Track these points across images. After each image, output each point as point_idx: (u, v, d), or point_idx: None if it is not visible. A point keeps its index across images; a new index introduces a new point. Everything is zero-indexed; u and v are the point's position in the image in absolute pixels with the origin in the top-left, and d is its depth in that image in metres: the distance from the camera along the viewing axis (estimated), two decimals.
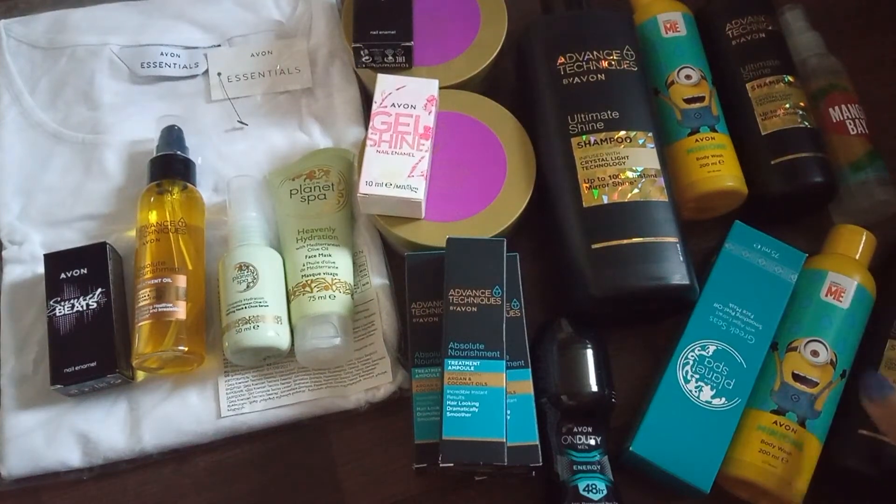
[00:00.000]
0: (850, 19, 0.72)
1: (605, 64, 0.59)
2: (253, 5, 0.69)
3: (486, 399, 0.49)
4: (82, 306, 0.56)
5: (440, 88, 0.60)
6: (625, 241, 0.54)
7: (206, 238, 0.60)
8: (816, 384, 0.54)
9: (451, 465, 0.48)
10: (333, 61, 0.67)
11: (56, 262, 0.57)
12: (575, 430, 0.53)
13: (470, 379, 0.49)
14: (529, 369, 0.53)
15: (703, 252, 0.62)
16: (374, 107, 0.59)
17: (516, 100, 0.64)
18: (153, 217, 0.57)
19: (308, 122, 0.65)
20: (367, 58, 0.62)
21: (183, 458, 0.56)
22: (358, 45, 0.61)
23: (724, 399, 0.53)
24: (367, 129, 0.60)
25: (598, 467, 0.52)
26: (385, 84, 0.59)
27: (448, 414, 0.48)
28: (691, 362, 0.54)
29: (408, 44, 0.61)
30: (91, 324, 0.55)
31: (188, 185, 0.60)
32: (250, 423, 0.56)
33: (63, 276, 0.56)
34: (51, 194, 0.62)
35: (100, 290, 0.56)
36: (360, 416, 0.57)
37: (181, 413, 0.56)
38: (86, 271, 0.57)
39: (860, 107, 0.64)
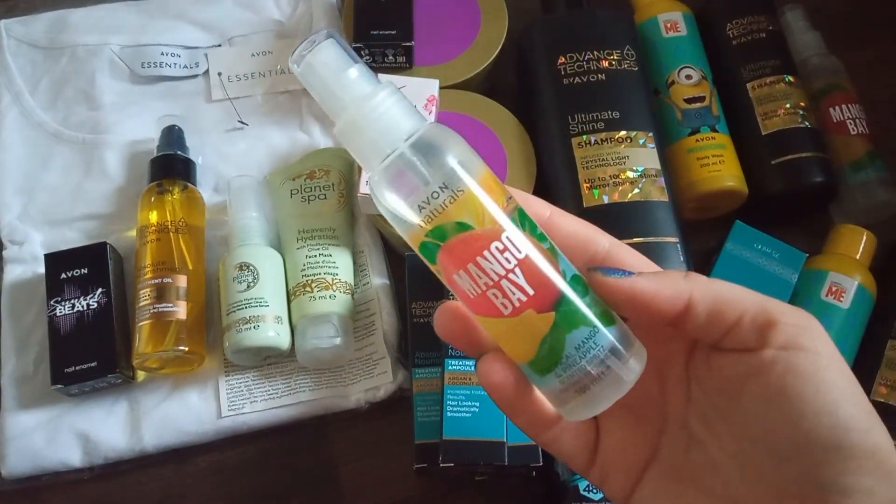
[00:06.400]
0: (850, 19, 0.72)
1: (605, 64, 0.59)
2: (253, 5, 0.69)
3: (487, 399, 0.49)
4: (83, 306, 0.56)
5: (440, 88, 0.60)
6: (625, 242, 0.54)
7: (206, 238, 0.60)
8: None
9: (452, 465, 0.48)
10: None
11: (56, 261, 0.57)
12: None
13: (470, 379, 0.49)
14: None
15: (704, 252, 0.62)
16: None
17: (516, 100, 0.64)
18: (153, 217, 0.57)
19: (308, 122, 0.65)
20: (367, 58, 0.62)
21: (183, 458, 0.56)
22: (358, 45, 0.61)
23: None
24: None
25: None
26: None
27: (448, 414, 0.48)
28: None
29: (408, 44, 0.61)
30: (91, 324, 0.55)
31: (188, 184, 0.60)
32: (251, 423, 0.56)
33: (63, 275, 0.56)
34: (51, 194, 0.62)
35: (100, 289, 0.56)
36: (360, 416, 0.57)
37: (182, 413, 0.56)
38: (86, 271, 0.56)
39: (860, 107, 0.64)
